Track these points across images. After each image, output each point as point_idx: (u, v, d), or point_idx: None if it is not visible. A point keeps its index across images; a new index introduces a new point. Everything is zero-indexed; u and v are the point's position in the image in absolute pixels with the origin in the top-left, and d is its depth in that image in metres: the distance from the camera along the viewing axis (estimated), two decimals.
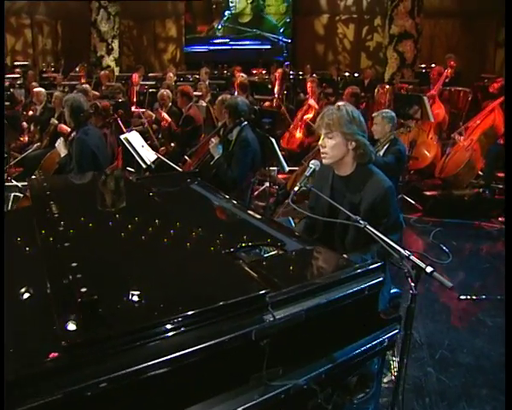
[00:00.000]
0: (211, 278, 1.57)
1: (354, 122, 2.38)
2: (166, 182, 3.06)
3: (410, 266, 1.70)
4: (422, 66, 9.87)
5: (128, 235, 1.98)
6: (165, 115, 6.49)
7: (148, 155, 4.95)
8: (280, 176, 6.00)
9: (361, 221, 1.97)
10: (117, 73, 12.62)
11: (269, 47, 15.04)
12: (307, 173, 2.37)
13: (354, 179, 2.46)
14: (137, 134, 5.19)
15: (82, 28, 14.40)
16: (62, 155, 4.24)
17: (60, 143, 4.27)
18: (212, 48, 15.53)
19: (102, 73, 10.74)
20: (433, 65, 9.13)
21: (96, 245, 1.82)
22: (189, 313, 1.29)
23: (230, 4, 15.28)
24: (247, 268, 1.64)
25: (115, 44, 14.09)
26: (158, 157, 5.11)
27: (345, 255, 1.96)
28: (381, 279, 1.70)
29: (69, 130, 4.43)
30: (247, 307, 1.37)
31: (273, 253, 1.88)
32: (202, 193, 2.63)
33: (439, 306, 3.83)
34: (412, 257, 1.72)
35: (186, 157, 5.46)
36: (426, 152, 6.76)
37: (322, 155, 2.46)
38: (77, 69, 12.61)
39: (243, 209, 2.48)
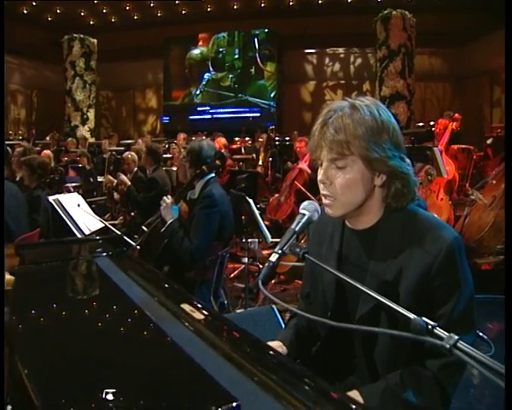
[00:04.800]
0: None
1: (386, 133, 1.24)
2: (58, 252, 1.85)
3: None
4: (420, 124, 9.04)
5: None
6: (124, 178, 5.38)
7: (89, 222, 3.78)
8: (264, 251, 4.81)
9: (440, 330, 0.80)
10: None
11: (258, 115, 13.68)
12: (296, 227, 1.21)
13: (384, 234, 1.29)
14: (78, 197, 4.05)
15: (58, 98, 13.69)
16: None
17: None
18: (190, 117, 14.25)
19: (69, 140, 9.77)
20: (431, 122, 8.29)
21: None
22: None
23: (210, 68, 14.20)
24: None
25: (91, 114, 13.25)
26: (105, 226, 3.98)
27: None
28: None
29: None
30: None
31: None
32: (105, 273, 1.44)
33: None
34: None
35: (143, 227, 4.33)
36: (437, 216, 5.67)
37: (325, 201, 1.30)
38: (47, 138, 11.71)
39: (177, 302, 1.27)
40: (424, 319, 0.86)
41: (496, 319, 4.26)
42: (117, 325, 1.10)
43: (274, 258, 1.13)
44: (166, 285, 1.47)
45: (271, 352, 1.01)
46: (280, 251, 1.14)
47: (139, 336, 1.03)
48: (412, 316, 0.89)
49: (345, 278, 1.07)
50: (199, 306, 1.25)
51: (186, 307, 1.23)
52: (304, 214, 1.23)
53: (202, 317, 1.16)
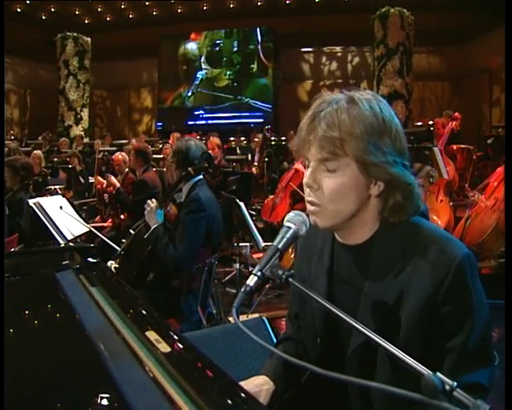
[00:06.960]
0: None
1: (387, 134, 1.06)
2: (18, 265, 1.67)
3: None
4: (419, 123, 8.88)
5: None
6: (113, 179, 5.20)
7: (72, 226, 3.60)
8: (255, 255, 4.62)
9: (461, 392, 0.62)
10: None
11: (261, 121, 12.08)
12: (279, 244, 1.02)
13: (380, 250, 1.10)
14: (62, 199, 3.87)
15: (52, 98, 13.48)
16: None
17: None
18: (185, 123, 13.17)
19: (62, 140, 9.58)
20: (430, 122, 8.12)
21: None
22: None
23: (203, 66, 13.07)
24: None
25: (85, 114, 13.02)
26: (89, 230, 3.81)
27: None
28: None
29: None
30: None
31: None
32: (63, 292, 1.26)
33: None
34: None
35: (131, 231, 4.16)
36: (436, 218, 5.50)
37: (310, 209, 1.12)
38: (40, 138, 11.52)
39: (143, 329, 1.09)
40: (439, 375, 0.67)
41: (496, 325, 4.10)
42: (52, 364, 0.91)
43: (252, 282, 0.95)
44: (136, 307, 1.29)
45: (245, 397, 0.83)
46: (259, 273, 0.96)
47: (77, 381, 0.84)
48: (425, 371, 0.69)
49: (335, 310, 0.89)
50: (170, 335, 1.08)
51: (152, 335, 1.05)
52: (289, 228, 1.04)
53: (168, 350, 0.98)
